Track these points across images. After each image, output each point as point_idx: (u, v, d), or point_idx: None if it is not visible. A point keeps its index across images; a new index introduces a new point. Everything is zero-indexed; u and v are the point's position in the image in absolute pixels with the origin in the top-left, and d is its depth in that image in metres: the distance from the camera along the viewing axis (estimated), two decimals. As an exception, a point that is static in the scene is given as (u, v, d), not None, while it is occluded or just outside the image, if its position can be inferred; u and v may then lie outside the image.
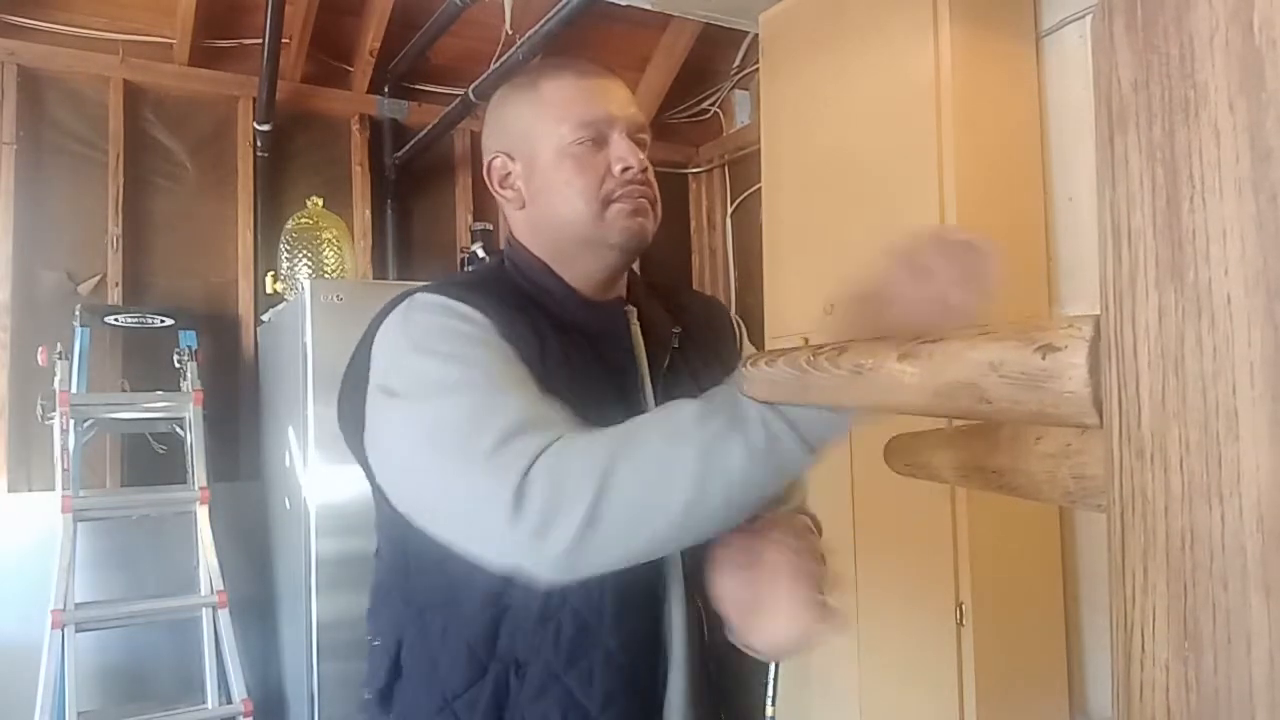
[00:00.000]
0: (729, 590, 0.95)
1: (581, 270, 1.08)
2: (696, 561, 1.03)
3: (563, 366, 0.98)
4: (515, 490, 0.79)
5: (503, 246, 1.15)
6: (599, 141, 1.05)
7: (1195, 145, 0.30)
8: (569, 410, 0.90)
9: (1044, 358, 0.40)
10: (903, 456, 0.81)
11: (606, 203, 1.04)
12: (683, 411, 0.81)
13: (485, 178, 1.15)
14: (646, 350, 1.09)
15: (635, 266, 1.16)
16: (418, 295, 1.01)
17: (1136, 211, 0.32)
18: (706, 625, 1.02)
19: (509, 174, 1.12)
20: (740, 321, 1.28)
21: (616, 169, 1.04)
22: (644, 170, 1.05)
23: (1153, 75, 0.31)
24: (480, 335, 0.95)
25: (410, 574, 1.05)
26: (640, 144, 1.07)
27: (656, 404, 1.05)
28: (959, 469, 0.63)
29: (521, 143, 1.10)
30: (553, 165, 1.06)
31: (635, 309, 1.11)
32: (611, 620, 0.95)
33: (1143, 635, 0.36)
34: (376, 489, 1.03)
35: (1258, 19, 0.27)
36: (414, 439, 0.91)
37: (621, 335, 1.08)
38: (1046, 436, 0.49)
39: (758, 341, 3.02)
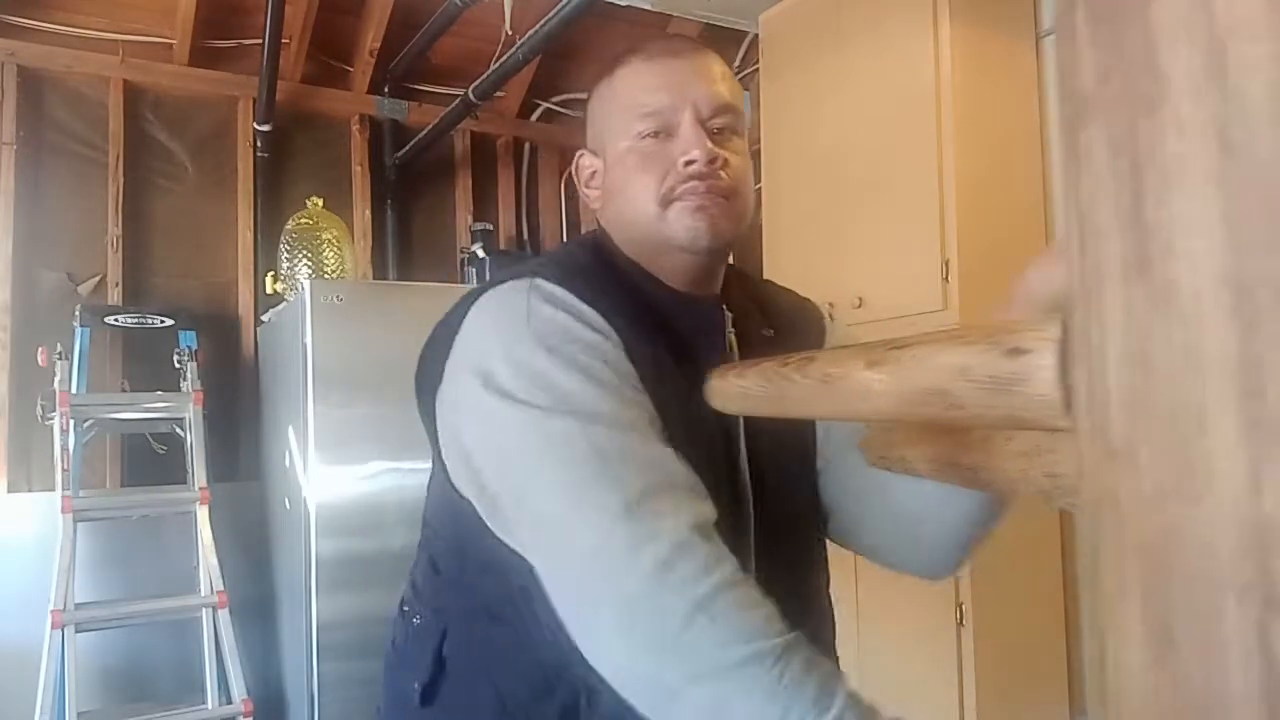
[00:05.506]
0: None
1: (668, 269, 0.99)
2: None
3: (665, 381, 0.90)
4: (671, 547, 0.72)
5: (595, 237, 1.06)
6: (668, 132, 0.96)
7: (1159, 138, 0.29)
8: (666, 432, 0.84)
9: (1013, 360, 0.39)
10: (878, 450, 0.80)
11: (667, 202, 0.95)
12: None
13: (574, 176, 1.09)
14: (740, 355, 0.99)
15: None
16: (539, 282, 0.91)
17: (1101, 207, 0.31)
18: None
19: (595, 172, 1.04)
20: (831, 321, 1.17)
21: (680, 163, 0.94)
22: (712, 162, 0.94)
23: (1114, 66, 0.30)
24: (608, 351, 0.87)
25: (465, 570, 0.97)
26: (721, 130, 0.97)
27: (746, 429, 0.97)
28: (933, 463, 0.61)
29: (601, 138, 1.03)
30: (620, 162, 0.99)
31: (729, 310, 1.02)
32: None
33: (1117, 640, 0.36)
34: (442, 469, 0.97)
35: (1220, 5, 0.27)
36: (532, 451, 0.81)
37: (719, 337, 0.99)
38: (1018, 435, 0.48)
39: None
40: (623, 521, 0.74)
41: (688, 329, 0.97)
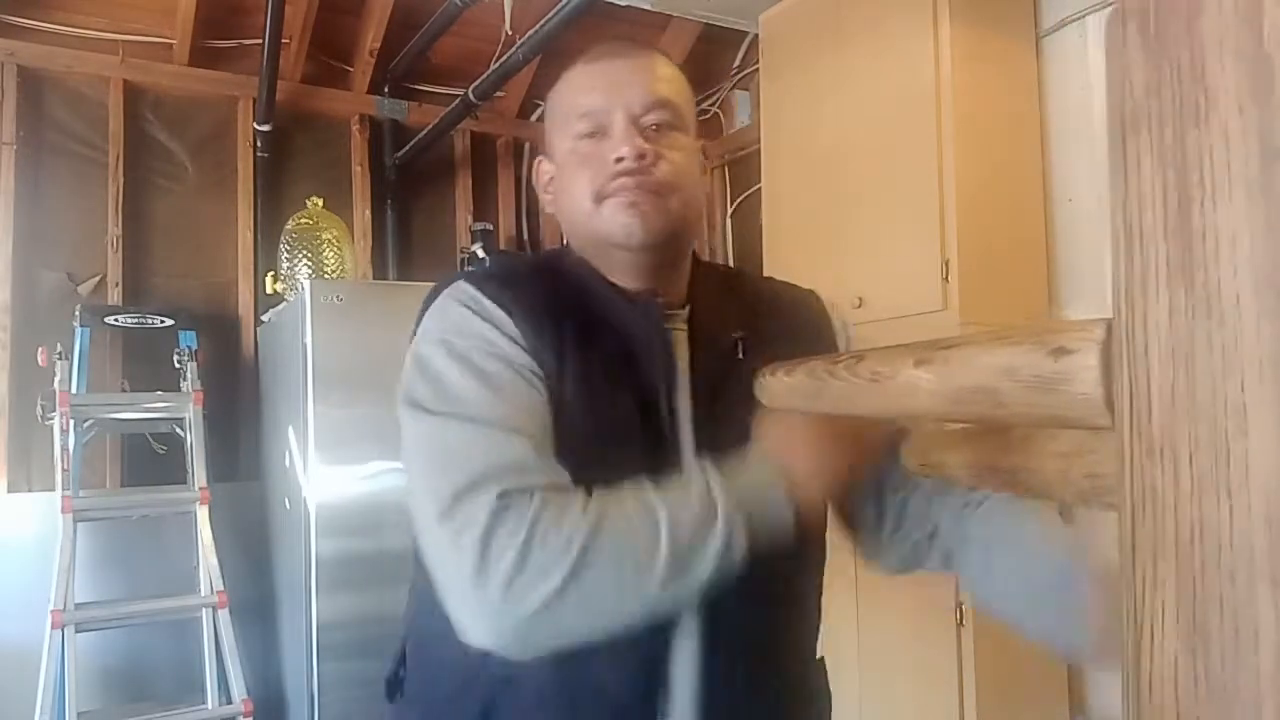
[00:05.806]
0: None
1: (615, 268, 1.00)
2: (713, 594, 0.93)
3: (582, 385, 0.91)
4: (481, 540, 0.77)
5: (564, 243, 1.09)
6: (603, 131, 0.97)
7: (1206, 148, 0.31)
8: (580, 444, 0.88)
9: (1057, 360, 0.41)
10: (918, 456, 0.81)
11: (601, 199, 0.96)
12: (659, 505, 0.81)
13: (534, 182, 1.10)
14: (696, 363, 0.98)
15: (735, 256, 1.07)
16: (459, 283, 0.97)
17: (1148, 213, 0.33)
18: (722, 666, 0.93)
19: (551, 177, 1.06)
20: (845, 323, 1.14)
21: (611, 160, 0.95)
22: (641, 157, 0.95)
23: (1164, 79, 0.31)
24: (504, 346, 0.90)
25: (418, 566, 0.99)
26: (659, 126, 0.98)
27: (697, 436, 0.95)
28: (972, 468, 0.63)
29: (551, 142, 1.06)
30: (563, 163, 1.01)
31: (689, 310, 1.02)
32: (607, 650, 0.84)
33: (1152, 630, 0.37)
34: None
35: (1267, 23, 0.28)
36: (411, 448, 0.88)
37: (658, 336, 0.97)
38: (1060, 435, 0.49)
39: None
40: (462, 499, 0.79)
41: (629, 327, 0.97)
